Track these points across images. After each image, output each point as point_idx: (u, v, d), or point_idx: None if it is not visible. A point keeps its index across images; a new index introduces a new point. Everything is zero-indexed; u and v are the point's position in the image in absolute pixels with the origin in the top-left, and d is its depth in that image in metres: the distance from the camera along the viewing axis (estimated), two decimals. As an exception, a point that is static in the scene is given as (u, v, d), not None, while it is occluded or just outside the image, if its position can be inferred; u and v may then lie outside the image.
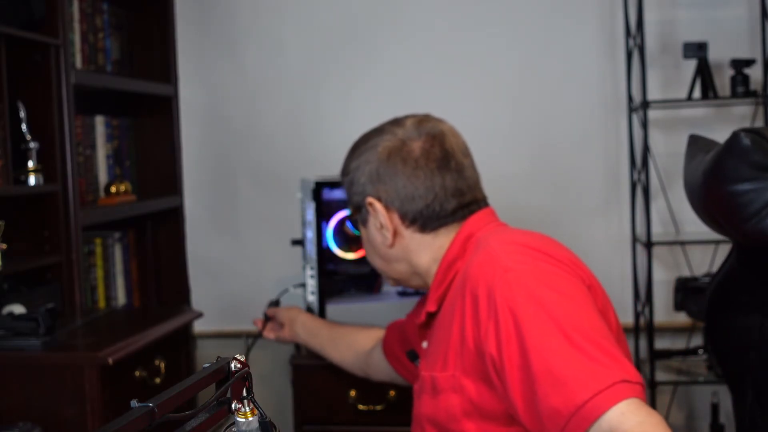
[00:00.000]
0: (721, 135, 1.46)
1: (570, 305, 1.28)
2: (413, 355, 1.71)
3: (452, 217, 1.60)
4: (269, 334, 2.46)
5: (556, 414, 1.20)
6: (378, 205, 1.60)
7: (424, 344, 1.60)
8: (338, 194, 2.70)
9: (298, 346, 2.78)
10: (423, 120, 1.64)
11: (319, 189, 2.59)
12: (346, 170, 1.66)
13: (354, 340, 2.18)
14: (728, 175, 1.24)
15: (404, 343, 1.90)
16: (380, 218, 1.60)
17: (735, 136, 1.24)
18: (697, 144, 1.48)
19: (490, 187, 3.24)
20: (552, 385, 1.20)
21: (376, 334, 2.12)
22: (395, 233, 1.60)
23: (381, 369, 2.07)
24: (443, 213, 1.59)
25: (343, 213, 2.69)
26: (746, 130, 1.24)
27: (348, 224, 1.72)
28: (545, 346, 1.23)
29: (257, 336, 2.60)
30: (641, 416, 1.15)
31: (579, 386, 1.18)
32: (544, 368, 1.22)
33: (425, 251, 1.59)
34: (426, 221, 1.58)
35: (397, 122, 1.63)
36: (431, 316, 1.59)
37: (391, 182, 1.57)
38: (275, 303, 2.71)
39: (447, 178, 1.58)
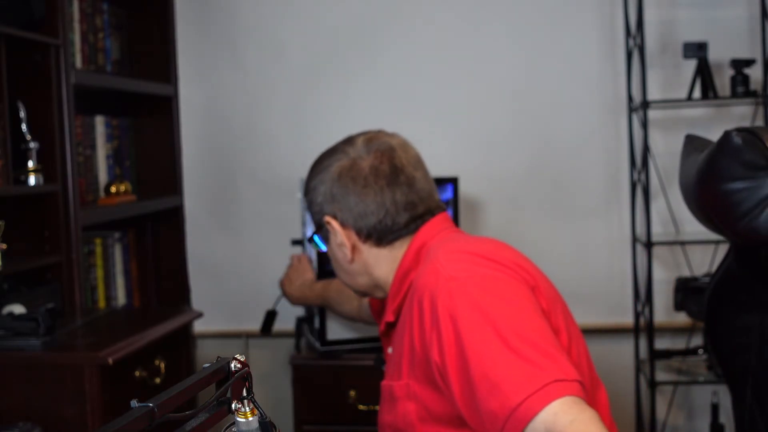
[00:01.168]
0: (720, 135, 1.46)
1: (509, 308, 1.32)
2: (380, 362, 1.76)
3: (406, 229, 1.65)
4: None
5: (494, 417, 1.23)
6: (335, 224, 1.67)
7: (390, 350, 1.65)
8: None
9: (298, 347, 2.78)
10: (373, 137, 1.73)
11: (319, 189, 2.59)
12: (306, 191, 1.75)
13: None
14: (721, 174, 1.25)
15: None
16: (338, 236, 1.67)
17: (727, 136, 1.24)
18: (692, 144, 1.48)
19: (490, 186, 3.27)
20: (488, 389, 1.24)
21: None
22: (353, 248, 1.67)
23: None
24: (396, 227, 1.64)
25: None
26: (738, 130, 1.24)
27: (316, 240, 1.74)
28: (482, 350, 1.27)
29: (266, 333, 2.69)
30: (573, 414, 1.17)
31: (513, 389, 1.21)
32: (481, 372, 1.26)
33: (383, 264, 1.65)
34: (381, 235, 1.64)
35: (349, 141, 1.73)
36: (390, 326, 1.65)
37: (344, 201, 1.65)
38: (272, 313, 2.74)
39: (397, 192, 1.64)
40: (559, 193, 3.05)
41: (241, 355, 0.95)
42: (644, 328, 2.89)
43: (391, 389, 1.51)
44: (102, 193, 2.73)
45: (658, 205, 2.96)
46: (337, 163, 1.69)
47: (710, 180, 1.27)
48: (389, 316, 1.62)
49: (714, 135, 1.48)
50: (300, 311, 2.93)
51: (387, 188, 1.63)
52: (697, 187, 1.31)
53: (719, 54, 2.87)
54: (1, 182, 2.17)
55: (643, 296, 2.85)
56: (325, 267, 2.64)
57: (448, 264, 1.43)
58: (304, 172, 3.02)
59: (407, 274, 1.59)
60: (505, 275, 1.40)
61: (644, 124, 2.79)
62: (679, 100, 2.82)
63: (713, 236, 2.40)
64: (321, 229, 1.71)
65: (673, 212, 2.94)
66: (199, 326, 3.01)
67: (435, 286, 1.39)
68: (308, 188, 1.74)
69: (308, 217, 1.76)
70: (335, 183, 1.67)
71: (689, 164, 1.40)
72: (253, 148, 3.16)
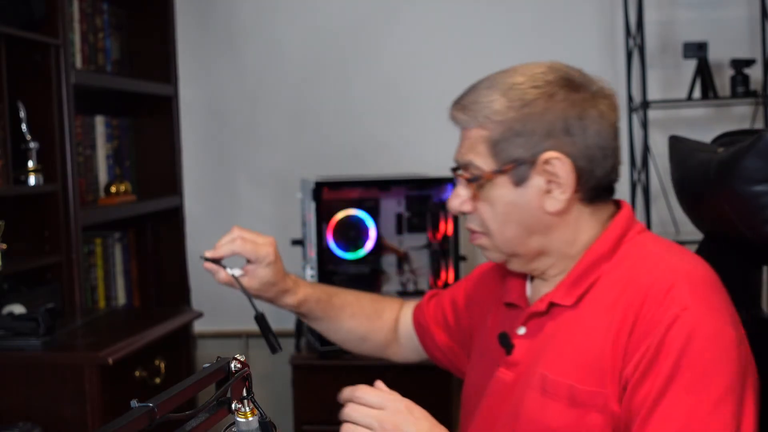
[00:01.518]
0: (719, 135, 1.46)
1: (733, 401, 1.17)
2: (507, 341, 1.39)
3: (608, 194, 1.37)
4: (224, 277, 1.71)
5: None
6: (565, 162, 1.30)
7: (522, 330, 1.36)
8: (338, 194, 2.71)
9: (298, 346, 2.78)
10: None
11: (319, 189, 2.59)
12: (509, 116, 1.33)
13: (366, 303, 1.74)
14: (751, 176, 1.24)
15: (457, 317, 1.61)
16: (560, 178, 1.30)
17: (761, 137, 1.24)
18: (684, 144, 1.48)
19: (490, 187, 3.25)
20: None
21: (393, 302, 1.77)
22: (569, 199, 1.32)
23: (404, 344, 1.73)
24: (611, 184, 1.36)
25: (342, 213, 2.69)
26: None
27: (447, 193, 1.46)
28: (683, 407, 1.16)
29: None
30: None
31: None
32: (674, 417, 1.15)
33: (582, 228, 1.34)
34: (599, 190, 1.34)
35: (584, 75, 1.38)
36: (544, 311, 1.35)
37: (582, 137, 1.30)
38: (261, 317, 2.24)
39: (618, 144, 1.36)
40: (559, 193, 3.05)
41: (241, 355, 0.95)
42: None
43: (573, 391, 1.25)
44: (102, 193, 2.73)
45: (658, 205, 2.96)
46: (575, 95, 1.34)
47: (736, 180, 1.27)
48: (568, 299, 1.31)
49: (714, 135, 1.49)
50: (300, 311, 2.92)
51: (616, 136, 1.35)
52: (712, 186, 1.31)
53: (719, 54, 2.87)
54: (1, 182, 2.17)
55: (643, 296, 2.85)
56: (325, 267, 2.64)
57: (703, 302, 1.21)
58: (304, 172, 3.05)
59: (599, 262, 1.31)
60: (743, 347, 1.22)
61: (644, 124, 2.79)
62: (679, 100, 2.81)
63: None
64: (516, 166, 1.31)
65: (673, 212, 2.94)
66: (199, 326, 3.01)
67: (680, 311, 1.19)
68: (518, 114, 1.33)
69: (489, 149, 1.32)
70: (575, 114, 1.31)
71: (694, 164, 1.40)
72: (253, 148, 3.16)
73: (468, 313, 1.59)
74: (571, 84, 1.34)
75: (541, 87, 1.33)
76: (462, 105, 1.40)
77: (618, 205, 1.38)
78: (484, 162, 1.32)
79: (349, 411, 1.24)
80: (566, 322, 1.31)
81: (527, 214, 1.33)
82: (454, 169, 1.38)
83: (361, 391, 1.25)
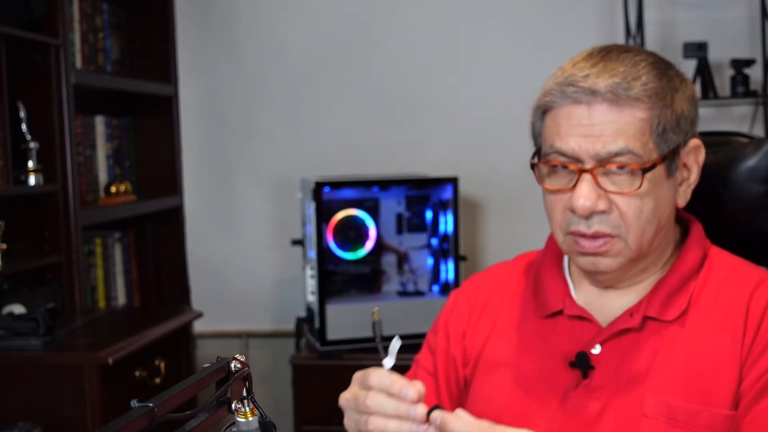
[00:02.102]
0: (720, 135, 1.47)
1: None
2: (584, 362, 1.18)
3: None
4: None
5: None
6: (702, 150, 1.20)
7: (597, 349, 1.18)
8: (338, 194, 2.71)
9: (298, 346, 2.78)
10: None
11: (319, 189, 2.59)
12: (676, 101, 1.17)
13: None
14: (757, 176, 1.27)
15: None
16: (693, 168, 1.20)
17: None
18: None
19: (490, 185, 3.27)
20: None
21: None
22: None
23: None
24: None
25: (342, 213, 2.69)
26: None
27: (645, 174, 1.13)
28: None
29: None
30: None
31: None
32: None
33: (672, 232, 1.23)
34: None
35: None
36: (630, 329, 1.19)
37: (696, 126, 1.21)
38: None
39: None
40: (559, 193, 3.05)
41: (241, 355, 0.95)
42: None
43: (691, 414, 1.13)
44: (102, 193, 2.73)
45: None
46: (688, 80, 1.24)
47: (742, 180, 1.28)
48: (664, 313, 1.17)
49: (714, 135, 1.49)
50: (300, 311, 2.93)
51: None
52: (733, 185, 1.32)
53: (719, 54, 2.87)
54: (1, 182, 2.17)
55: (643, 296, 2.85)
56: (325, 267, 2.64)
57: None
58: (304, 172, 3.04)
59: (691, 275, 1.19)
60: None
61: (644, 124, 2.79)
62: (679, 100, 2.81)
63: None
64: (673, 156, 1.16)
65: (673, 212, 2.94)
66: (199, 326, 3.01)
67: None
68: (675, 97, 1.17)
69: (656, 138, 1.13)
70: (695, 100, 1.22)
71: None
72: (253, 148, 3.16)
73: (464, 360, 1.32)
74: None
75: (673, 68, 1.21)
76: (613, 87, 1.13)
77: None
78: (643, 149, 1.13)
79: None
80: (670, 339, 1.16)
81: (667, 210, 1.18)
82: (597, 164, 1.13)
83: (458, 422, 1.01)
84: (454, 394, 1.32)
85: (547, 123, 1.18)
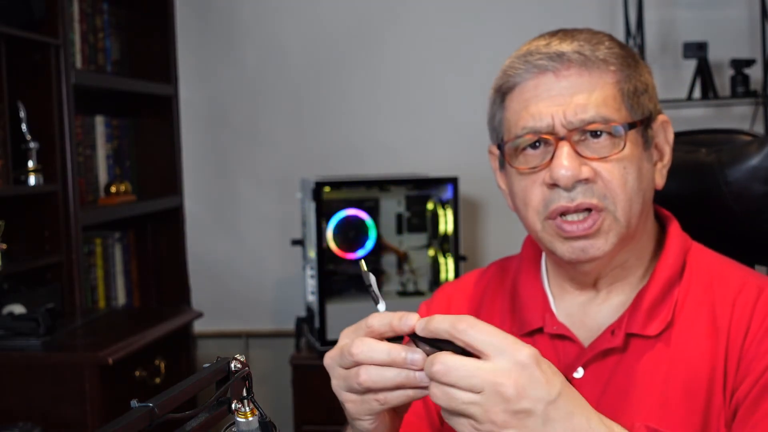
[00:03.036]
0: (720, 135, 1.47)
1: None
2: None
3: None
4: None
5: None
6: (671, 129, 1.14)
7: (579, 373, 1.08)
8: (338, 194, 2.71)
9: (298, 346, 2.78)
10: None
11: (319, 189, 2.59)
12: (640, 70, 1.12)
13: None
14: (760, 175, 1.28)
15: None
16: (666, 147, 1.14)
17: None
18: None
19: (490, 185, 3.25)
20: None
21: None
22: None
23: None
24: None
25: (342, 213, 2.69)
26: None
27: (620, 130, 1.06)
28: None
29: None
30: None
31: None
32: None
33: (652, 229, 1.15)
34: None
35: None
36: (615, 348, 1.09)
37: None
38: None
39: None
40: (559, 193, 3.05)
41: (241, 355, 0.95)
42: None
43: None
44: (102, 193, 2.73)
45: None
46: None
47: (745, 180, 1.28)
48: (647, 328, 1.07)
49: (714, 135, 1.49)
50: (300, 311, 2.93)
51: None
52: (736, 184, 1.32)
53: (719, 54, 2.87)
54: (1, 182, 2.17)
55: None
56: (325, 267, 2.64)
57: None
58: (304, 172, 3.05)
59: (672, 282, 1.10)
60: None
61: (644, 124, 2.79)
62: (679, 100, 2.81)
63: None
64: (645, 124, 1.10)
65: (673, 212, 2.94)
66: (199, 326, 3.01)
67: None
68: (644, 68, 1.13)
69: (626, 103, 1.08)
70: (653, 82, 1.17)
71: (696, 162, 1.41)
72: (253, 148, 3.16)
73: None
74: None
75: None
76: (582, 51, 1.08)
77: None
78: (618, 115, 1.06)
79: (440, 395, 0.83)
80: (655, 359, 1.07)
81: (650, 186, 1.11)
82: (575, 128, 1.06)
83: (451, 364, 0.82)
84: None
85: (509, 106, 1.10)
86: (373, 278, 0.91)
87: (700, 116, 3.00)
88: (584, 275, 1.12)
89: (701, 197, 1.25)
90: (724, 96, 2.81)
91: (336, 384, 0.91)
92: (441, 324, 0.84)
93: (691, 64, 2.82)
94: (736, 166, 1.31)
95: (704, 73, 2.77)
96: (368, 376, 0.86)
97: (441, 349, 0.84)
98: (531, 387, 0.81)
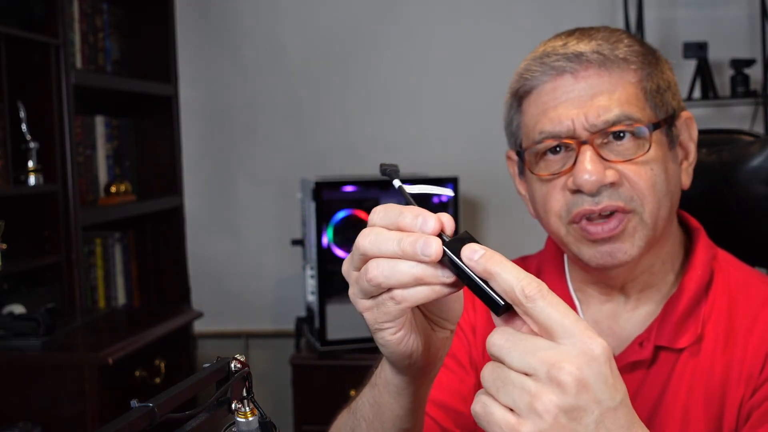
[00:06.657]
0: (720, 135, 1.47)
1: None
2: None
3: None
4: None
5: None
6: (695, 125, 1.11)
7: None
8: (338, 194, 2.71)
9: (298, 346, 2.78)
10: None
11: (319, 189, 2.59)
12: (661, 67, 1.08)
13: None
14: (762, 176, 1.28)
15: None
16: (691, 146, 1.10)
17: None
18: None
19: (491, 185, 3.27)
20: None
21: None
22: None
23: None
24: None
25: (342, 213, 2.69)
26: None
27: (644, 131, 1.02)
28: None
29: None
30: None
31: None
32: None
33: (678, 234, 1.12)
34: None
35: None
36: (644, 360, 1.05)
37: None
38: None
39: None
40: (559, 193, 3.05)
41: (241, 355, 0.95)
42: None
43: None
44: (102, 193, 2.73)
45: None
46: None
47: (747, 181, 1.29)
48: (676, 340, 1.04)
49: (714, 135, 1.49)
50: (300, 311, 2.93)
51: None
52: (737, 185, 1.33)
53: (719, 54, 2.87)
54: (1, 182, 2.17)
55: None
56: (325, 267, 2.64)
57: None
58: (303, 172, 3.05)
59: (700, 294, 1.06)
60: None
61: (644, 124, 2.79)
62: (679, 100, 2.81)
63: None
64: (669, 123, 1.07)
65: (673, 212, 2.94)
66: (199, 326, 3.01)
67: None
68: (665, 66, 1.09)
69: (649, 102, 1.04)
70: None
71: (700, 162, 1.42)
72: (253, 148, 3.16)
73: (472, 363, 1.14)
74: None
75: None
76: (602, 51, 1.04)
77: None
78: (642, 114, 1.02)
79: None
80: (680, 370, 1.03)
81: (677, 188, 1.06)
82: (597, 131, 1.01)
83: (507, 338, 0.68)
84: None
85: (527, 110, 1.06)
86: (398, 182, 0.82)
87: (700, 116, 3.00)
88: (610, 280, 1.08)
89: (702, 198, 1.25)
90: (724, 96, 2.81)
91: (352, 292, 0.77)
92: (506, 274, 0.69)
93: (691, 64, 2.82)
94: (737, 167, 1.31)
95: (704, 73, 2.77)
96: (379, 270, 0.72)
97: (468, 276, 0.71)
98: (595, 384, 0.66)
